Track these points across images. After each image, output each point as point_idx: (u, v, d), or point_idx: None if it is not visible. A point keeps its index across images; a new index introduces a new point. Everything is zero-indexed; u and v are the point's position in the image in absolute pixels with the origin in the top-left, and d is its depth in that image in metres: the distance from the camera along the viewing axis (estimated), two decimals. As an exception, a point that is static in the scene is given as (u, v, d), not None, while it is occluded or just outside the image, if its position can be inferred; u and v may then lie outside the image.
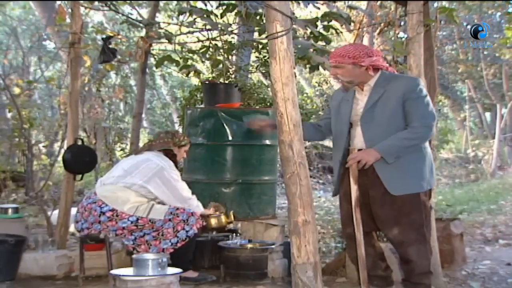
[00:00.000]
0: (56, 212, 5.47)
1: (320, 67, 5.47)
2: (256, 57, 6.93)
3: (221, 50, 6.17)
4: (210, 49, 6.10)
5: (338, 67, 3.60)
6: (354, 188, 3.58)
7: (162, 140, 4.40)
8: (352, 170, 3.58)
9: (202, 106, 5.90)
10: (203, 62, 6.99)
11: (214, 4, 6.48)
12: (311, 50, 5.16)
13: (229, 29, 5.77)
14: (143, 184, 4.15)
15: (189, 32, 6.40)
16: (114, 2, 6.00)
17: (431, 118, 3.53)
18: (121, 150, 10.36)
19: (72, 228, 5.00)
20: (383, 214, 3.59)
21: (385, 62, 3.71)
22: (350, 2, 9.26)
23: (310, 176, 3.43)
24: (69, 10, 5.32)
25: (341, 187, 3.76)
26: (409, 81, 3.61)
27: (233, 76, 6.46)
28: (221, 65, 6.16)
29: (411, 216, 3.55)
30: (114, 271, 3.42)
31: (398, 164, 3.51)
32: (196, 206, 4.32)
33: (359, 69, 3.57)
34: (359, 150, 3.59)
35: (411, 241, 3.57)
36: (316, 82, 15.31)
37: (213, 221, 4.41)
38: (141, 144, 7.00)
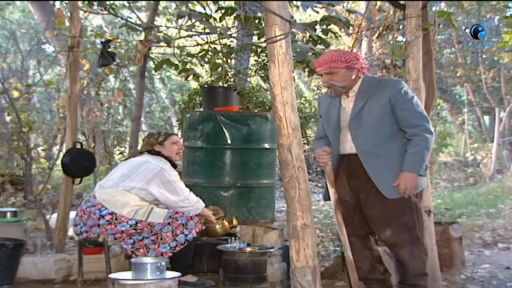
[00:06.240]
0: (54, 215, 5.46)
1: (319, 71, 5.47)
2: (255, 60, 6.94)
3: (220, 54, 6.17)
4: (209, 52, 6.10)
5: (331, 73, 3.60)
6: (331, 191, 3.61)
7: (144, 144, 4.50)
8: (328, 173, 3.61)
9: (201, 109, 5.90)
10: (202, 65, 6.99)
11: (213, 7, 6.49)
12: (310, 53, 5.15)
13: (228, 32, 5.76)
14: (143, 186, 4.15)
15: (188, 36, 6.40)
16: (113, 6, 6.00)
17: (426, 120, 3.56)
18: (120, 153, 10.35)
19: (71, 232, 5.00)
20: (374, 216, 3.60)
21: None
22: (348, 6, 9.28)
23: (309, 180, 3.42)
24: (68, 13, 5.32)
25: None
26: (392, 85, 3.62)
27: (232, 79, 6.47)
28: (220, 69, 6.16)
29: (403, 218, 3.55)
30: (113, 275, 3.41)
31: (390, 167, 3.52)
32: (197, 201, 4.31)
33: (351, 73, 3.60)
34: (348, 155, 3.61)
35: (404, 243, 3.57)
36: (315, 86, 15.28)
37: (218, 228, 4.50)
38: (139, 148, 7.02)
